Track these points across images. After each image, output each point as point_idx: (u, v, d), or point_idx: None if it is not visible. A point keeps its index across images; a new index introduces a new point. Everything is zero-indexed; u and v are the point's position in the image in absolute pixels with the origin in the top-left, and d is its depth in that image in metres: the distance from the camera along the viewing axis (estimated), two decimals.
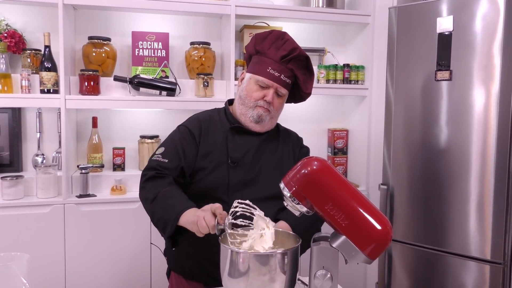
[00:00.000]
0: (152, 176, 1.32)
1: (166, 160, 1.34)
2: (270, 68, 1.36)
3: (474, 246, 1.78)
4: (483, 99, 1.75)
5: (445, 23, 1.83)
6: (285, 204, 1.10)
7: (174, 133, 1.45)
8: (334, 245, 1.04)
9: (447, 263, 1.85)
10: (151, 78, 2.27)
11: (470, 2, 1.77)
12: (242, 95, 1.42)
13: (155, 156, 1.38)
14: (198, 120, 1.44)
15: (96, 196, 2.17)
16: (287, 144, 1.50)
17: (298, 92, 1.46)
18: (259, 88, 1.38)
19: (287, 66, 1.37)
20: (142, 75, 2.27)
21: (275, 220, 1.35)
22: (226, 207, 1.24)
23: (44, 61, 2.13)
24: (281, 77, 1.37)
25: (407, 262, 2.00)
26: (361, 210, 1.03)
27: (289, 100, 1.49)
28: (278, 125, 1.52)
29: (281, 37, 1.39)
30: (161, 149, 1.39)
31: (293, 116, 2.73)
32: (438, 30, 1.85)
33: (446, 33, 1.83)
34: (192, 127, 1.41)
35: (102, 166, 2.29)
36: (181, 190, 1.31)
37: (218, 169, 1.36)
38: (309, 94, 1.46)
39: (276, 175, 1.35)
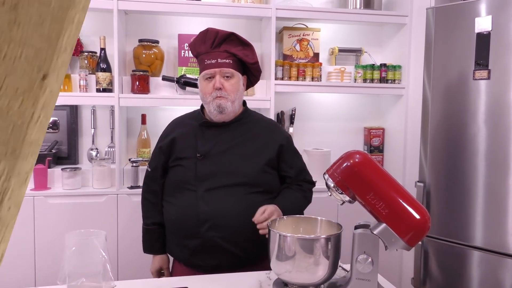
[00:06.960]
0: (144, 191, 1.66)
1: (150, 169, 1.62)
2: (206, 60, 1.51)
3: None
4: None
5: (483, 23, 1.86)
6: (329, 194, 1.20)
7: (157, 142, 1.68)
8: (375, 232, 1.13)
9: (484, 261, 1.88)
10: (196, 77, 2.40)
11: (509, 2, 1.79)
12: (200, 96, 1.57)
13: (148, 167, 1.66)
14: (167, 129, 1.66)
15: None
16: (266, 134, 1.59)
17: (248, 69, 1.57)
18: (208, 82, 1.52)
19: (219, 50, 1.50)
20: (188, 75, 2.41)
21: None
22: (194, 195, 1.48)
23: (100, 62, 2.30)
24: (219, 61, 1.49)
25: (443, 258, 2.04)
26: (401, 200, 1.12)
27: (249, 85, 1.63)
28: (249, 112, 1.63)
29: (204, 32, 1.53)
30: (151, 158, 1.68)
31: (330, 115, 2.81)
32: (477, 30, 1.88)
33: (485, 32, 1.86)
34: (163, 134, 1.64)
35: None
36: (153, 229, 1.64)
37: (188, 163, 1.53)
38: (255, 64, 1.56)
39: (246, 162, 1.51)
